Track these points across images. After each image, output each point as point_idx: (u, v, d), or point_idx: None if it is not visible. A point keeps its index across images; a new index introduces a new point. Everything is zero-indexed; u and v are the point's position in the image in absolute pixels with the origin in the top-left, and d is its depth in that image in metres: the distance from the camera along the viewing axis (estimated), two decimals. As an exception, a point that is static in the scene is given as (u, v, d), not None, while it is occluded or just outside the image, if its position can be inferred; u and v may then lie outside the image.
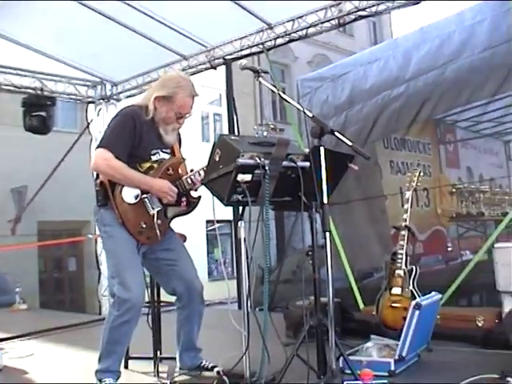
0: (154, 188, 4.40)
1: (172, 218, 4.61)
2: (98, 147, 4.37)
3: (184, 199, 4.56)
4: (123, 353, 4.61)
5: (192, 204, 4.62)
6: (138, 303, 4.27)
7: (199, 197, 4.63)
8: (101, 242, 5.62)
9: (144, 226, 4.39)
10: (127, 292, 4.22)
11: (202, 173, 4.46)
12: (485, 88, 7.81)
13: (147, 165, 4.46)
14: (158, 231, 4.44)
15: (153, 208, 4.44)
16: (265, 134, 4.40)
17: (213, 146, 4.21)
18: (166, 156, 4.59)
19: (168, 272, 4.62)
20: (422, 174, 6.23)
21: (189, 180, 4.49)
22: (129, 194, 4.36)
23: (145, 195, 4.41)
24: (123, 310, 4.24)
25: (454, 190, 10.79)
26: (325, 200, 4.02)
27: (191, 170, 4.55)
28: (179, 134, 4.82)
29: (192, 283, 4.61)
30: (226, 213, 5.71)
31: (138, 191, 4.39)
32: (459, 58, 7.98)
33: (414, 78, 8.50)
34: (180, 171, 4.58)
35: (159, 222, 4.46)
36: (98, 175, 4.46)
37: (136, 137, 4.37)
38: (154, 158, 4.50)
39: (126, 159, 4.33)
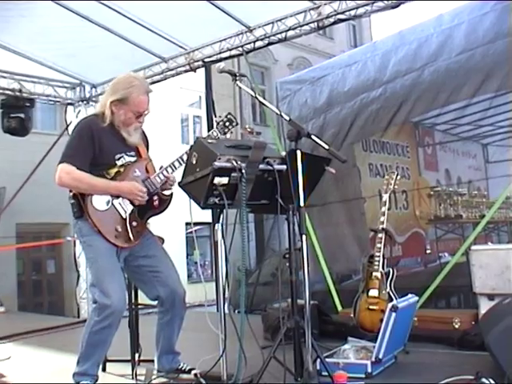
0: (123, 191, 4.41)
1: (147, 219, 4.61)
2: (59, 163, 4.36)
3: (156, 198, 4.57)
4: (101, 357, 4.61)
5: (164, 202, 4.64)
6: (118, 310, 4.26)
7: (171, 194, 4.65)
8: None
9: (120, 230, 4.39)
10: (107, 299, 4.22)
11: (169, 170, 4.50)
12: (462, 90, 7.86)
13: (114, 170, 4.46)
14: (131, 234, 4.44)
15: (125, 211, 4.44)
16: (220, 123, 4.62)
17: (190, 149, 4.23)
18: (132, 159, 4.58)
19: (151, 279, 4.61)
20: (399, 176, 6.27)
21: (157, 178, 4.52)
22: (99, 202, 4.36)
23: (116, 200, 4.42)
24: (103, 315, 4.24)
25: (432, 193, 10.81)
26: (301, 203, 4.03)
27: (160, 168, 4.56)
28: (145, 136, 4.84)
29: (175, 289, 4.61)
30: (206, 215, 5.73)
31: (108, 197, 4.39)
32: (437, 60, 8.03)
33: (392, 81, 8.54)
34: (148, 171, 4.60)
35: (134, 223, 4.47)
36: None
37: (95, 145, 4.37)
38: (119, 162, 4.49)
39: (89, 169, 4.34)
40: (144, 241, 4.61)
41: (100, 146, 4.39)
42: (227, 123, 4.72)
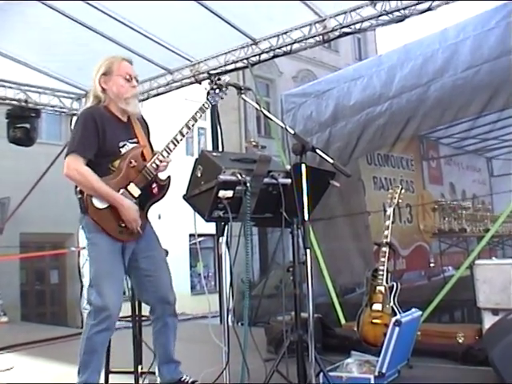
0: (125, 214, 4.33)
1: (148, 208, 4.57)
2: (66, 154, 4.35)
3: (154, 185, 4.53)
4: (100, 364, 4.53)
5: (163, 188, 4.59)
6: (113, 312, 4.25)
7: (168, 177, 4.61)
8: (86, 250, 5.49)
9: (123, 225, 4.36)
10: (103, 301, 4.21)
11: (164, 154, 4.47)
12: (470, 107, 7.84)
13: (118, 162, 4.41)
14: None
15: None
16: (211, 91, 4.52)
17: (195, 162, 4.23)
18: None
19: (144, 282, 4.59)
20: (403, 190, 6.27)
21: (154, 165, 4.46)
22: (99, 200, 4.32)
23: None
24: (99, 318, 4.23)
25: (436, 207, 10.82)
26: (306, 217, 4.04)
27: (155, 153, 4.53)
28: (145, 121, 4.82)
29: (165, 295, 4.59)
30: (210, 227, 5.72)
31: None
32: (443, 76, 8.03)
33: (398, 96, 8.55)
34: (145, 158, 4.53)
35: None
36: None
37: (100, 131, 4.35)
38: (123, 150, 4.44)
39: (97, 160, 4.33)
40: (148, 240, 4.60)
41: (104, 133, 4.36)
42: (217, 90, 4.60)
